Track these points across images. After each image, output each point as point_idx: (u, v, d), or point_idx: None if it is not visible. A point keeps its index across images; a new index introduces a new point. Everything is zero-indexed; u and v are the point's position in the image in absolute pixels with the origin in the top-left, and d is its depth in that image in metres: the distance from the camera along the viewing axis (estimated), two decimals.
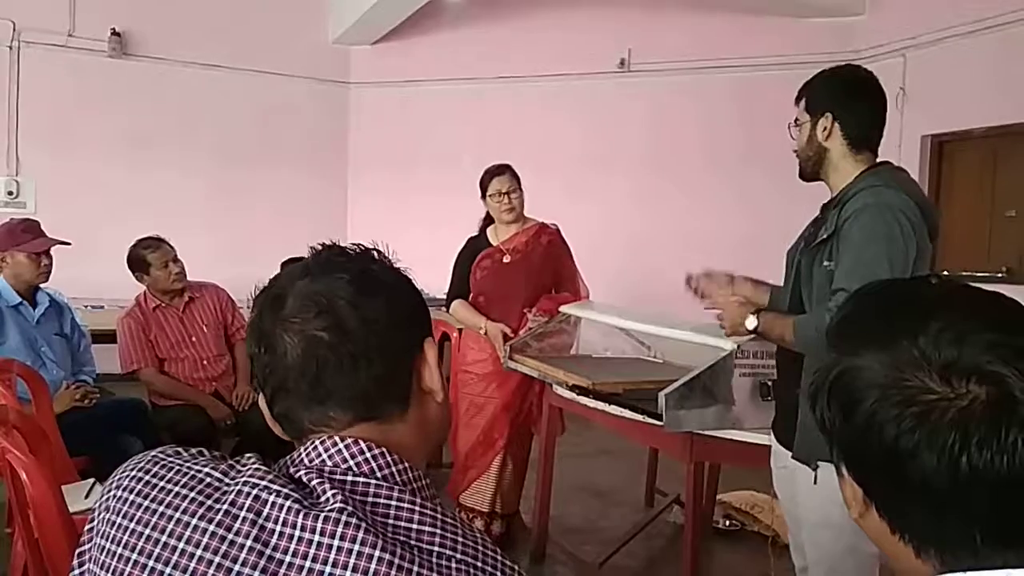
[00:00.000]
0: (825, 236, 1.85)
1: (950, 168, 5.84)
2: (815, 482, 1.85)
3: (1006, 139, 5.43)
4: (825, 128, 1.91)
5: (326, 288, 0.84)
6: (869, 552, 1.83)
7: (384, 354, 0.84)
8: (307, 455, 0.82)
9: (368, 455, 0.81)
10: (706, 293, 2.17)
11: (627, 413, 2.61)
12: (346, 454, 0.81)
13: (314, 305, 0.83)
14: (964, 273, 5.38)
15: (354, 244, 0.92)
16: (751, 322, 1.97)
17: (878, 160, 1.93)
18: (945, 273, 5.50)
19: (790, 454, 1.94)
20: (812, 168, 1.97)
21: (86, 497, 2.46)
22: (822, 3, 6.03)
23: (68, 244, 3.37)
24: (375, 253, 0.91)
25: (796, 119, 1.98)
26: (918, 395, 0.64)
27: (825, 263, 1.84)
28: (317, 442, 0.82)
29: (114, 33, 6.47)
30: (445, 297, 3.54)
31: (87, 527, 0.85)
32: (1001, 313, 0.67)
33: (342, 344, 0.82)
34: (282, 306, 0.84)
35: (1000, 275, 5.37)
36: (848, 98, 1.91)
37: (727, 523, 3.74)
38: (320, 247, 0.91)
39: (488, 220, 3.50)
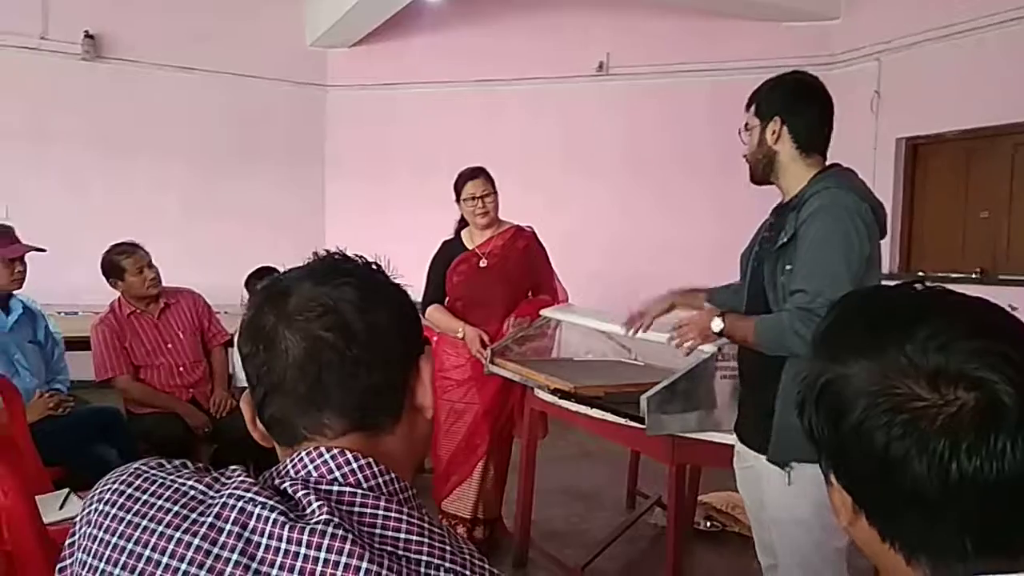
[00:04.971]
0: (786, 240, 1.88)
1: (924, 170, 5.91)
2: (789, 483, 1.88)
3: (979, 142, 5.51)
4: (774, 132, 1.96)
5: (332, 290, 0.83)
6: (836, 547, 1.88)
7: (385, 363, 0.84)
8: (292, 466, 0.81)
9: (355, 465, 0.80)
10: (655, 319, 2.27)
11: (609, 416, 2.61)
12: (332, 465, 0.80)
13: (319, 305, 0.82)
14: (939, 274, 5.45)
15: (357, 255, 0.91)
16: (717, 324, 2.00)
17: (828, 163, 1.98)
18: (920, 274, 5.57)
19: (755, 454, 1.98)
20: (763, 171, 2.02)
21: (60, 507, 2.41)
22: (798, 7, 6.08)
23: (43, 251, 3.31)
24: (377, 265, 0.91)
25: (746, 124, 2.04)
26: (907, 402, 0.64)
27: (788, 267, 1.87)
28: (303, 453, 0.81)
29: (88, 35, 6.38)
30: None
31: (67, 542, 0.83)
32: (987, 319, 0.67)
33: (347, 347, 0.81)
34: (286, 303, 0.83)
35: (974, 276, 5.43)
36: (796, 102, 1.97)
37: (708, 524, 3.75)
38: (324, 253, 0.91)
39: (463, 223, 3.45)
